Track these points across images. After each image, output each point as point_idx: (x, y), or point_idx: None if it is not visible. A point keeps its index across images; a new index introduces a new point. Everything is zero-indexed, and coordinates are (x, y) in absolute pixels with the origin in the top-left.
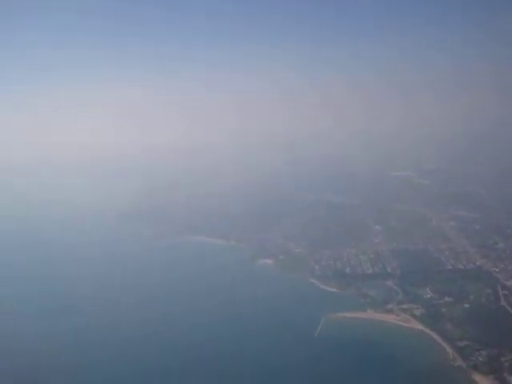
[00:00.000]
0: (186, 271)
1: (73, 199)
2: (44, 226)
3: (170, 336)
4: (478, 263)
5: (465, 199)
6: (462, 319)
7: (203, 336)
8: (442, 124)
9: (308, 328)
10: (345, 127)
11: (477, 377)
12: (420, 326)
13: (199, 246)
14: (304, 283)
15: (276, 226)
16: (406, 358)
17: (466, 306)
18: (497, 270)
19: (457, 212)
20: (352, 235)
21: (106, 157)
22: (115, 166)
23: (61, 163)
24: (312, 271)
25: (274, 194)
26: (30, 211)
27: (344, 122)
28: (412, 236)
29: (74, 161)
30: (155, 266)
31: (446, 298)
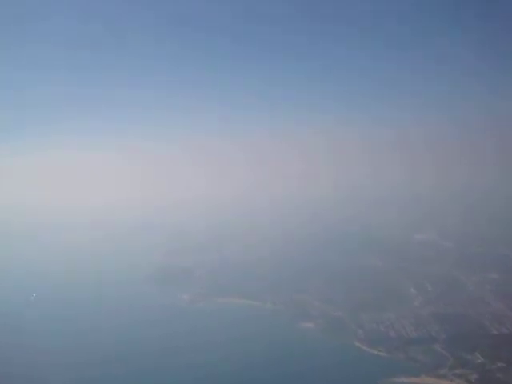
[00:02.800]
0: (228, 336)
1: (97, 260)
2: (69, 294)
3: None
4: None
5: (493, 260)
6: None
7: None
8: (448, 182)
9: None
10: (353, 187)
11: None
12: None
13: (235, 308)
14: (350, 347)
15: (309, 287)
16: None
17: None
18: None
19: (488, 274)
20: (388, 299)
21: (121, 214)
22: (133, 225)
23: (76, 223)
24: (356, 335)
25: (302, 254)
26: (50, 275)
27: (351, 180)
28: (449, 300)
29: (88, 219)
30: (195, 331)
31: (499, 364)
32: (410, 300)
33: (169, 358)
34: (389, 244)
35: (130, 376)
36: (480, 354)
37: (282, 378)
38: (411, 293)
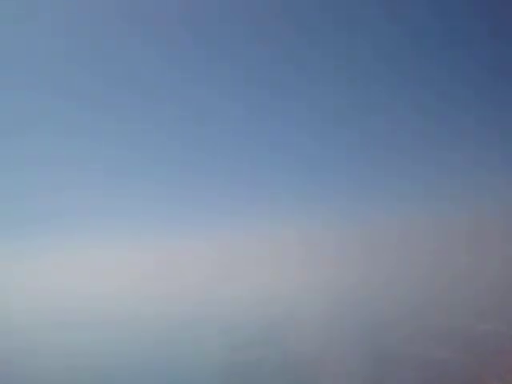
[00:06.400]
0: None
1: (154, 355)
2: None
3: None
4: None
5: None
6: None
7: None
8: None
9: None
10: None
11: None
12: None
13: None
14: None
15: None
16: None
17: None
18: None
19: None
20: None
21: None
22: (176, 318)
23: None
24: None
25: (365, 345)
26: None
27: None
28: None
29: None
30: None
31: None
32: None
33: None
34: (453, 335)
35: None
36: None
37: None
38: None
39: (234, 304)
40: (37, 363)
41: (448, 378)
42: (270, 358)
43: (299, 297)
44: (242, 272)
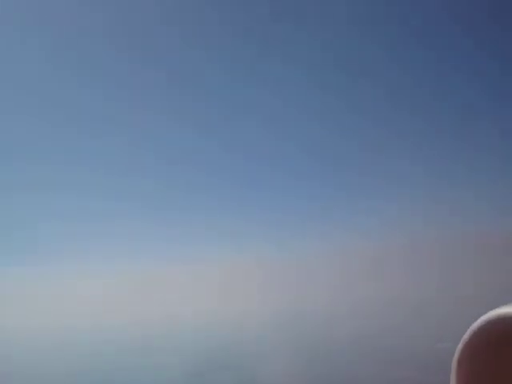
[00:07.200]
0: None
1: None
2: None
3: None
4: None
5: None
6: None
7: None
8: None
9: None
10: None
11: None
12: None
13: None
14: None
15: None
16: None
17: None
18: None
19: None
20: None
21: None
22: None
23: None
24: None
25: (334, 368)
26: None
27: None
28: None
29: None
30: None
31: None
32: None
33: None
34: (414, 354)
35: None
36: None
37: None
38: None
39: (197, 328)
40: None
41: None
42: (234, 382)
43: (265, 320)
44: (209, 295)
